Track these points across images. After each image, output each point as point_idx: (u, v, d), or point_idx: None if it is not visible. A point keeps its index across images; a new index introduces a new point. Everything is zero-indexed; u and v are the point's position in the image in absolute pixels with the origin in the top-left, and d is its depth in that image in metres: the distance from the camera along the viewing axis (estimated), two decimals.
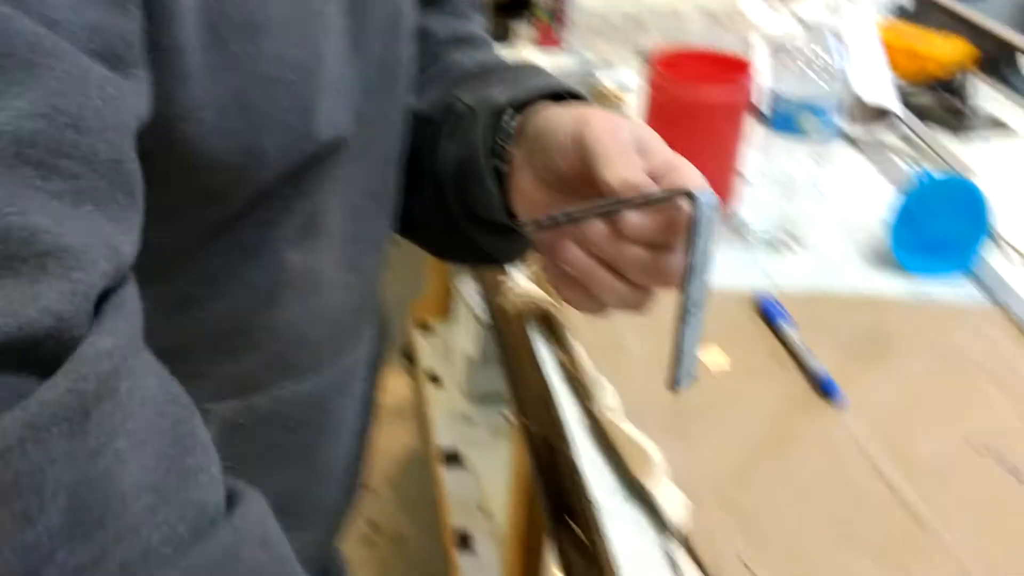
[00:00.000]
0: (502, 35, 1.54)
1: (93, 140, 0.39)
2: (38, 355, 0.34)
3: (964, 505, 0.73)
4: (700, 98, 1.02)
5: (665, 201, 0.54)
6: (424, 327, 2.36)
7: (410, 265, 2.58)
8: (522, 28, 1.60)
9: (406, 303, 2.40)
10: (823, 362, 0.86)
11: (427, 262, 2.32)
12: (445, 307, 2.35)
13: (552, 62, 1.52)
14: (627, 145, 0.56)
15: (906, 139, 1.32)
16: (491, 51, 0.79)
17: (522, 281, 0.93)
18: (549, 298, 0.91)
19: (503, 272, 0.94)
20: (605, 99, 1.31)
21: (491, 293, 0.98)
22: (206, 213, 0.55)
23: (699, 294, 0.55)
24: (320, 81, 0.56)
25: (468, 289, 2.13)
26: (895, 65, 1.39)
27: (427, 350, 2.29)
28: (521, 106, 0.64)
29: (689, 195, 0.53)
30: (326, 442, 0.72)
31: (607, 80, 1.43)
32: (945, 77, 1.43)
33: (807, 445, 0.78)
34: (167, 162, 0.49)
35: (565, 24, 1.55)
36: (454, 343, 2.20)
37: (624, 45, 1.62)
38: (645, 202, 0.54)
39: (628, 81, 1.42)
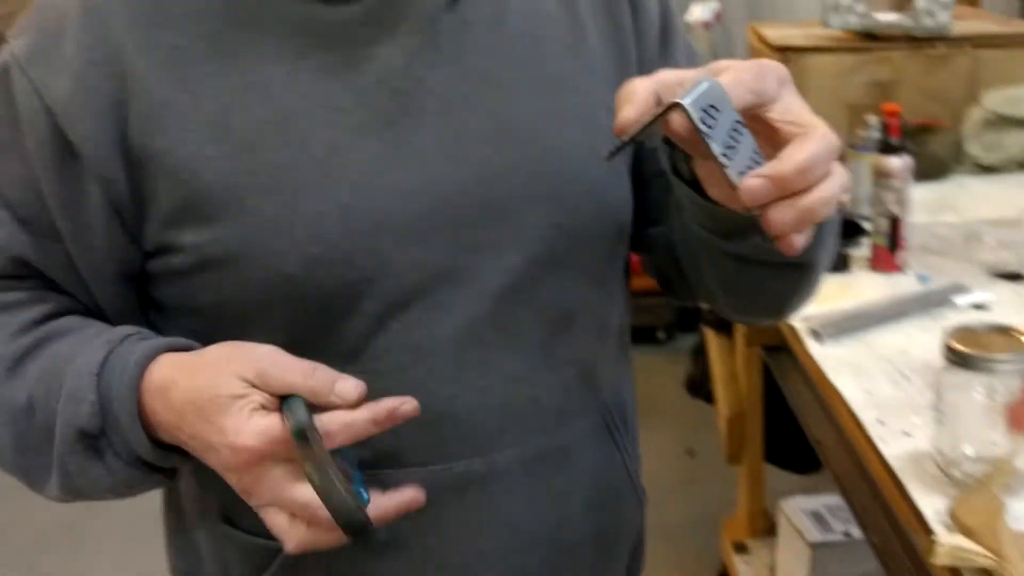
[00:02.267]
0: (839, 264, 1.56)
1: None
2: None
3: None
4: None
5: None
6: (740, 548, 2.30)
7: (719, 480, 2.57)
8: (857, 252, 1.61)
9: (718, 521, 2.36)
10: None
11: (738, 478, 2.29)
12: (761, 526, 2.28)
13: (891, 285, 1.52)
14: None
15: None
16: None
17: (952, 537, 0.90)
18: (988, 552, 0.87)
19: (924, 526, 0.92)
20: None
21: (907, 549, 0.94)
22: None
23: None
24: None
25: (792, 508, 2.07)
26: None
27: (747, 573, 2.22)
28: None
29: (676, 105, 0.54)
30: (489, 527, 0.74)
31: (962, 301, 1.41)
32: None
33: None
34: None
35: (903, 247, 1.55)
36: (779, 566, 2.12)
37: (962, 260, 1.60)
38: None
39: (985, 301, 1.39)
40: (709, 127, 0.53)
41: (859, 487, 1.15)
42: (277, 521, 0.65)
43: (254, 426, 0.62)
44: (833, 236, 0.71)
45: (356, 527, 0.63)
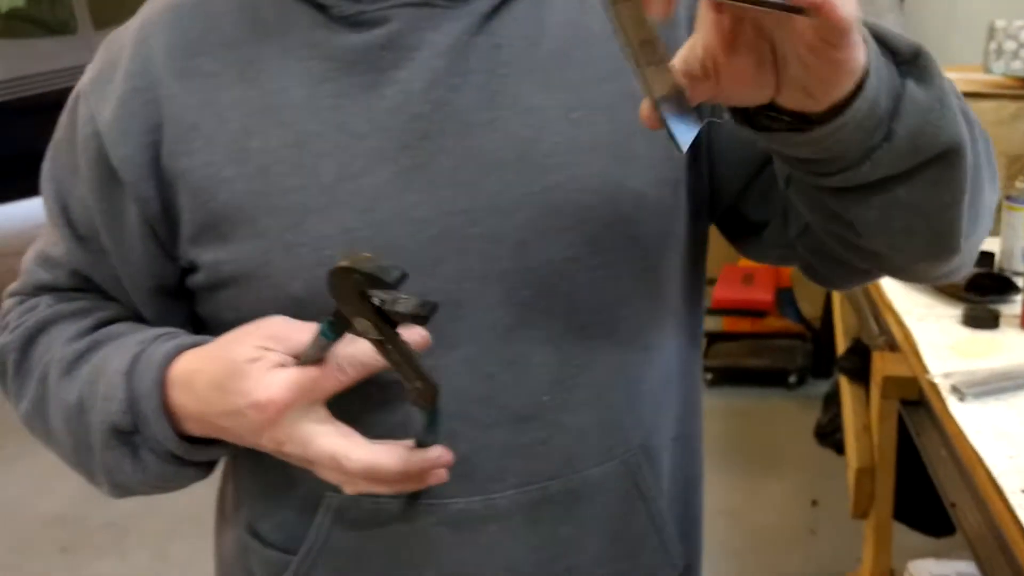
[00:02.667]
0: (987, 321, 1.49)
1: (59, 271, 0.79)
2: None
3: None
4: None
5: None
6: None
7: (843, 534, 2.48)
8: (1007, 310, 1.54)
9: None
10: None
11: (864, 533, 2.20)
12: None
13: None
14: None
15: None
16: None
17: None
18: None
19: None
20: None
21: None
22: None
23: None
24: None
25: (921, 570, 1.98)
26: None
27: None
28: None
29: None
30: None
31: None
32: None
33: None
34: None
35: None
36: None
37: None
38: None
39: None
40: None
41: (995, 556, 1.09)
42: (324, 474, 0.67)
43: (273, 379, 0.64)
44: (928, 110, 0.58)
45: (433, 392, 0.64)
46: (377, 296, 0.59)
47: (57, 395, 0.74)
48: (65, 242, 0.76)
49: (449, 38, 0.68)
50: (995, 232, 1.79)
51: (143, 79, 0.71)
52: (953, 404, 1.29)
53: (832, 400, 2.78)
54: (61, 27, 5.13)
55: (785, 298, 3.51)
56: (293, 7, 0.70)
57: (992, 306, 1.57)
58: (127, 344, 0.73)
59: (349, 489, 0.67)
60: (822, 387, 3.25)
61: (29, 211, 4.97)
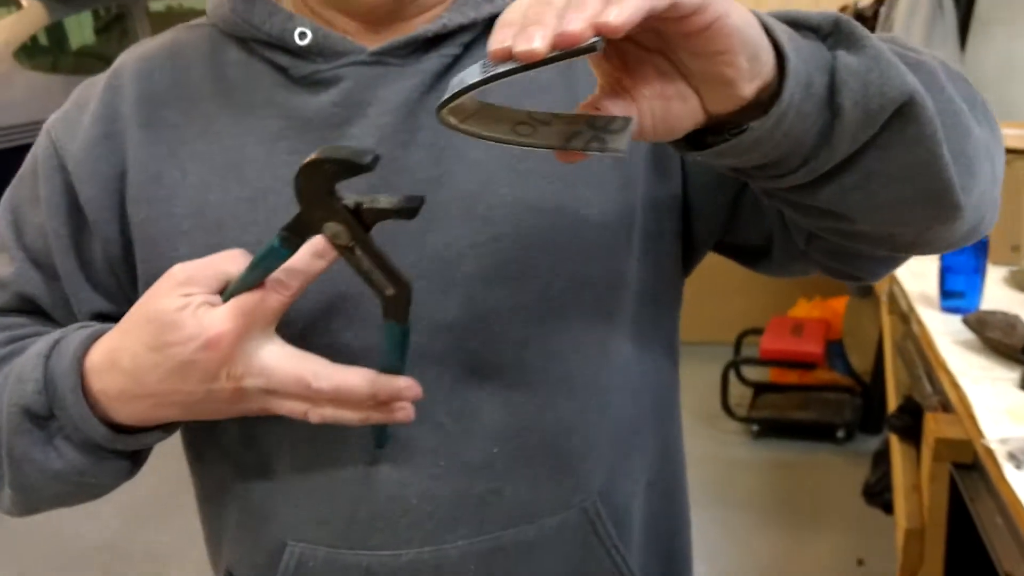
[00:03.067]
0: None
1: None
2: None
3: None
4: None
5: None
6: None
7: None
8: None
9: None
10: None
11: None
12: None
13: None
14: None
15: None
16: None
17: None
18: None
19: None
20: None
21: None
22: None
23: None
24: None
25: None
26: None
27: None
28: None
29: None
30: None
31: None
32: None
33: None
34: None
35: None
36: None
37: None
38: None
39: None
40: None
41: None
42: (288, 406, 0.65)
43: (213, 315, 0.62)
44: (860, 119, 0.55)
45: (407, 294, 0.63)
46: (351, 198, 0.59)
47: None
48: (16, 264, 0.77)
49: (400, 96, 0.71)
50: None
51: (111, 125, 0.74)
52: (1010, 471, 1.26)
53: (882, 458, 2.73)
54: None
55: (835, 350, 3.46)
56: (256, 67, 0.74)
57: None
58: (49, 335, 0.72)
59: (314, 417, 0.65)
60: (871, 443, 3.19)
61: None
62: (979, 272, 1.87)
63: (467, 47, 0.73)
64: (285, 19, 0.72)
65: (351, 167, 0.57)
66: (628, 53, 0.53)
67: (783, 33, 0.53)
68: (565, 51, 0.46)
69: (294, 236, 0.61)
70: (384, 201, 0.59)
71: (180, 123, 0.74)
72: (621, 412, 0.77)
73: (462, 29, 0.72)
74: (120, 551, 2.86)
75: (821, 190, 0.58)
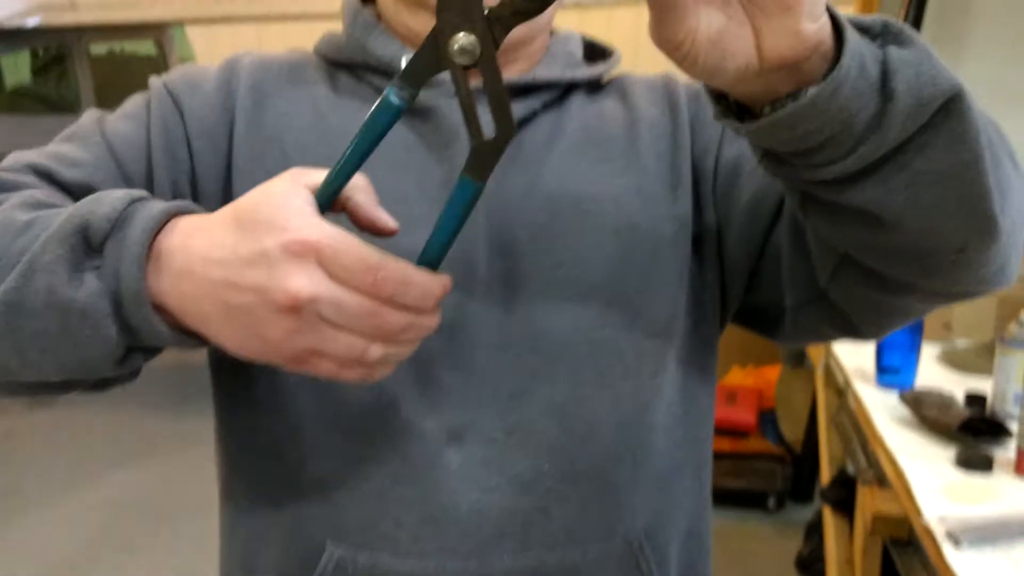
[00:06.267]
0: (980, 464, 1.47)
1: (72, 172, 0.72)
2: None
3: None
4: None
5: None
6: None
7: None
8: (1001, 454, 1.53)
9: None
10: None
11: None
12: None
13: None
14: None
15: None
16: None
17: None
18: None
19: None
20: None
21: None
22: None
23: None
24: None
25: None
26: None
27: None
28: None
29: None
30: None
31: None
32: None
33: None
34: None
35: None
36: None
37: None
38: None
39: None
40: None
41: None
42: (341, 341, 0.58)
43: (311, 220, 0.57)
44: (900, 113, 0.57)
45: (511, 129, 0.58)
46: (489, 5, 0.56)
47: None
48: (93, 152, 0.74)
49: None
50: (988, 373, 1.79)
51: (226, 99, 0.78)
52: (948, 550, 1.26)
53: (814, 530, 2.73)
54: (64, 105, 5.21)
55: (767, 420, 3.49)
56: (364, 92, 0.79)
57: (985, 449, 1.55)
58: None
59: (375, 353, 0.58)
60: (802, 513, 3.21)
61: None
62: (915, 349, 1.90)
63: (546, 106, 0.79)
64: (397, 48, 0.78)
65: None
66: None
67: (840, 14, 0.55)
68: None
69: (409, 83, 0.58)
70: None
71: (289, 112, 0.78)
72: (665, 452, 0.78)
73: (548, 85, 0.79)
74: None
75: (863, 186, 0.58)
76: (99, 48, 5.50)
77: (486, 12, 0.56)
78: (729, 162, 0.78)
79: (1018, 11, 2.83)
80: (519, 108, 0.77)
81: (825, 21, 0.54)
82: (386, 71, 0.78)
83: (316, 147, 0.76)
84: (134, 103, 0.80)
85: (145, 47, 5.75)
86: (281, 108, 0.78)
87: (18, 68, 5.34)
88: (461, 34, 0.56)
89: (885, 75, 0.55)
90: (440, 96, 0.76)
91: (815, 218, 0.66)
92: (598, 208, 0.76)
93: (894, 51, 0.56)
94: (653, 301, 0.76)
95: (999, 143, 0.62)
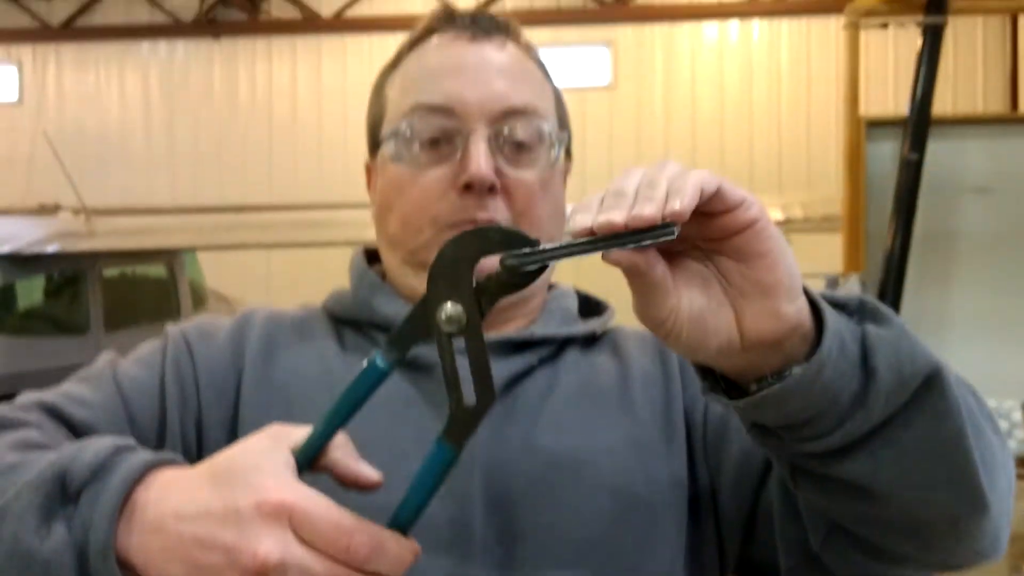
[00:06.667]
0: None
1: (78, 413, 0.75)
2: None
3: None
4: None
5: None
6: None
7: None
8: None
9: None
10: None
11: None
12: None
13: None
14: None
15: None
16: None
17: None
18: None
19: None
20: None
21: None
22: None
23: None
24: None
25: None
26: None
27: None
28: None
29: None
30: None
31: None
32: None
33: None
34: None
35: None
36: None
37: None
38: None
39: None
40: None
41: None
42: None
43: (284, 479, 0.57)
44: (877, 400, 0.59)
45: (491, 398, 0.59)
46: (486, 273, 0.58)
47: None
48: (103, 393, 0.78)
49: None
50: None
51: (237, 355, 0.82)
52: None
53: None
54: (74, 326, 5.28)
55: None
56: (369, 349, 0.77)
57: None
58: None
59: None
60: None
61: None
62: None
63: (542, 361, 0.82)
64: (401, 307, 0.83)
65: (517, 238, 0.57)
66: (675, 255, 0.57)
67: (816, 294, 0.57)
68: (646, 234, 0.53)
69: (396, 348, 0.60)
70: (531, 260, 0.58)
71: (296, 364, 0.82)
72: None
73: (545, 341, 0.82)
74: None
75: (852, 460, 0.59)
76: (111, 271, 5.65)
77: (474, 284, 0.58)
78: (716, 416, 0.80)
79: (1001, 245, 2.95)
80: (517, 363, 0.80)
81: (803, 302, 0.57)
82: (390, 328, 0.80)
83: (321, 399, 0.74)
84: (149, 349, 0.83)
85: (156, 270, 5.91)
86: (289, 360, 0.82)
87: (32, 291, 5.47)
88: (449, 303, 0.58)
89: (865, 353, 0.58)
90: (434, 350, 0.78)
91: (805, 489, 0.66)
92: (594, 460, 0.77)
93: (872, 329, 0.58)
94: (652, 556, 0.76)
95: (978, 410, 0.63)
